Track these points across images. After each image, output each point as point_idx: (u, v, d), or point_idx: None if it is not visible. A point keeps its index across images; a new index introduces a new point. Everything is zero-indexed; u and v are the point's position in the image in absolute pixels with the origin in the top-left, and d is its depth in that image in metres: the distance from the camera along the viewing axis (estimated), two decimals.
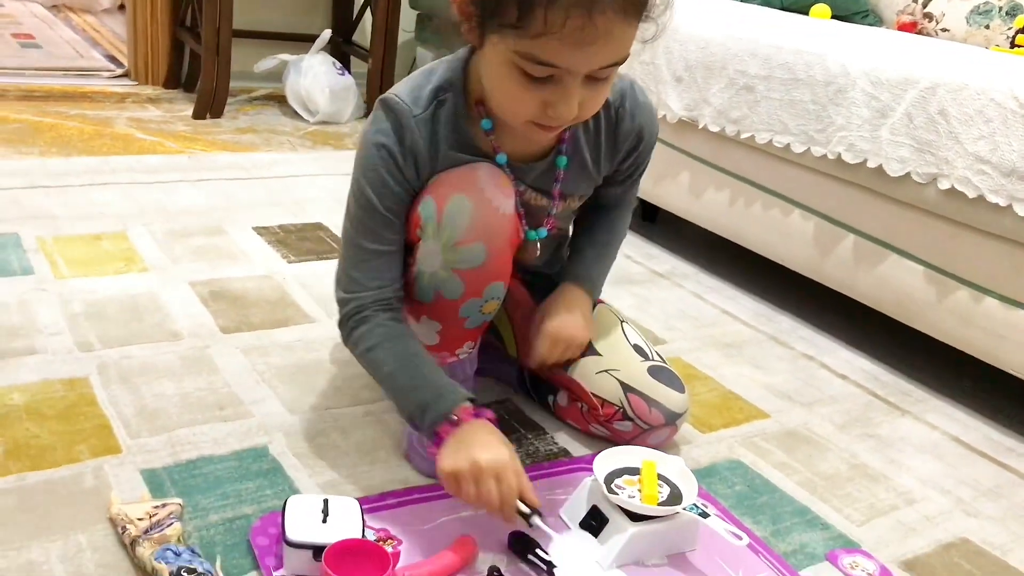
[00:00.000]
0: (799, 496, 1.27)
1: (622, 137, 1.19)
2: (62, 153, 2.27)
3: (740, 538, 1.05)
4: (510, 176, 1.12)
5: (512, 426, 1.33)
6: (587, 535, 1.10)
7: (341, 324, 1.14)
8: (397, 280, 1.13)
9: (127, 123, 2.63)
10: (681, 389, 1.26)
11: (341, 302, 1.13)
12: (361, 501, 1.08)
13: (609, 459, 1.14)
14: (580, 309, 1.26)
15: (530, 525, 1.01)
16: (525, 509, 1.00)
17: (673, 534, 1.10)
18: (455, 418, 1.02)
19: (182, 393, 1.29)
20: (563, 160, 1.15)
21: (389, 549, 1.02)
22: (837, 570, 1.13)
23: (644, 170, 1.28)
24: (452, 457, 0.99)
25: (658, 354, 1.30)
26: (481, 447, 0.98)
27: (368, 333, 1.10)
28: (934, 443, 1.48)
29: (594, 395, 1.26)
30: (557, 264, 1.36)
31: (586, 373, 1.27)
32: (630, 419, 1.24)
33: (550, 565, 1.03)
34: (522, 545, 1.05)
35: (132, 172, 2.19)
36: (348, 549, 0.95)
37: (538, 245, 1.22)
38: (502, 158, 1.11)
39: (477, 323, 1.17)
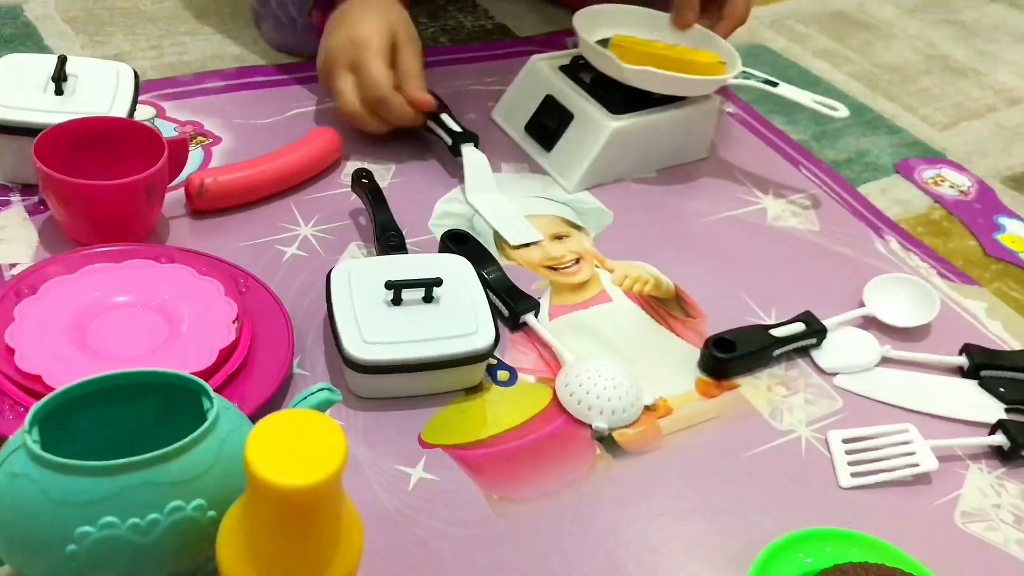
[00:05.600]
0: (853, 91, 0.85)
1: None
2: None
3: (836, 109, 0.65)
4: None
5: None
6: (535, 145, 0.68)
7: None
8: None
9: None
10: None
11: None
12: (164, 82, 0.67)
13: (589, 19, 0.69)
14: None
15: None
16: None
17: (676, 133, 0.68)
18: None
19: None
20: None
21: (195, 150, 0.61)
22: (912, 184, 0.73)
23: None
24: (328, 37, 0.64)
25: None
26: (363, 21, 0.63)
27: None
28: None
29: None
30: None
31: None
32: None
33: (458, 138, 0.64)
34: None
35: None
36: (89, 130, 0.54)
37: None
38: None
39: None
